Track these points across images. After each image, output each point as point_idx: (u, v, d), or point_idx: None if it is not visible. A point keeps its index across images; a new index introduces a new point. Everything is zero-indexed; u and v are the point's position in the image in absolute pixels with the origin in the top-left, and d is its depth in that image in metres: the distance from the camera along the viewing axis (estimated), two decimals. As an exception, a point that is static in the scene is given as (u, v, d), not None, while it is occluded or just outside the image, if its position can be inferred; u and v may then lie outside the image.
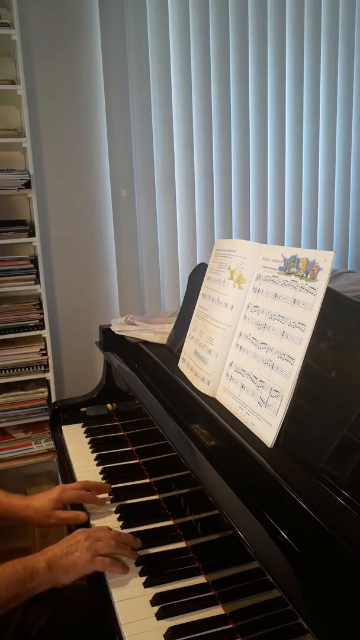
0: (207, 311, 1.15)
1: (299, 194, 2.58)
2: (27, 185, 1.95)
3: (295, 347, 0.86)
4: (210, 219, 2.42)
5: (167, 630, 0.82)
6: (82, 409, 1.63)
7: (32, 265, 2.02)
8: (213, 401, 1.05)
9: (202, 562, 0.95)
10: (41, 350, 2.08)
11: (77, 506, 1.14)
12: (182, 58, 2.25)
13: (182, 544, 1.02)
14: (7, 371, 2.05)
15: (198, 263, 1.53)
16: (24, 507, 1.11)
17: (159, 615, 0.85)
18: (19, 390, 2.11)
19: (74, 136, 2.18)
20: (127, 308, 2.35)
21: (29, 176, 1.95)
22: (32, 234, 2.00)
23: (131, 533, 1.02)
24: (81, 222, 2.26)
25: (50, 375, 2.11)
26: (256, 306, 1.00)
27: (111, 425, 1.56)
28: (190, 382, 1.14)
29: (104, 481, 1.26)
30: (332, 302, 0.85)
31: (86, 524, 1.10)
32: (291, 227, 2.60)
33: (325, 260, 0.85)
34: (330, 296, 0.84)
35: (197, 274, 1.34)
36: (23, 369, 2.07)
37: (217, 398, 1.05)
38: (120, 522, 1.10)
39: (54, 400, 2.10)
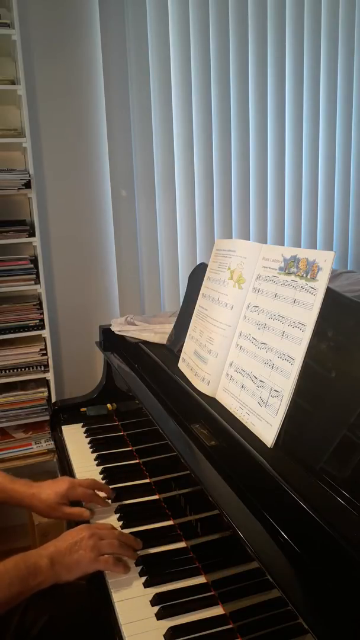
0: (207, 311, 1.15)
1: (299, 194, 2.58)
2: (27, 185, 1.95)
3: (295, 347, 0.86)
4: (210, 219, 2.42)
5: (167, 630, 0.82)
6: (82, 409, 1.63)
7: (32, 265, 2.02)
8: (213, 401, 1.05)
9: (202, 562, 0.95)
10: (41, 350, 2.08)
11: (76, 502, 1.14)
12: (182, 58, 2.25)
13: (182, 544, 1.02)
14: (7, 371, 2.05)
15: (198, 263, 1.53)
16: (29, 496, 1.10)
17: (159, 615, 0.85)
18: (19, 390, 2.11)
19: (74, 136, 2.18)
20: (127, 308, 2.35)
21: (29, 176, 1.95)
22: (32, 234, 2.00)
23: (131, 533, 1.02)
24: (81, 222, 2.26)
25: (50, 375, 2.11)
26: (256, 306, 1.00)
27: (111, 425, 1.56)
28: (190, 382, 1.14)
29: (103, 481, 1.26)
30: (332, 302, 0.85)
31: (86, 522, 1.10)
32: (291, 227, 2.60)
33: (325, 260, 0.85)
34: (330, 296, 0.84)
35: (197, 274, 1.34)
36: (23, 369, 2.07)
37: (217, 398, 1.05)
38: (120, 522, 1.10)
39: (54, 400, 2.10)
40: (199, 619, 0.84)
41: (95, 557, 0.91)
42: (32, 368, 2.08)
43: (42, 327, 2.07)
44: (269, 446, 0.85)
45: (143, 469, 1.30)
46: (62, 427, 1.58)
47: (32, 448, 2.12)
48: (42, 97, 2.11)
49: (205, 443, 0.97)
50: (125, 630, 0.83)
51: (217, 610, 0.86)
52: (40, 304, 2.05)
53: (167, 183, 2.32)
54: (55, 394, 2.14)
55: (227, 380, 1.03)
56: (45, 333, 2.08)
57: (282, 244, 2.59)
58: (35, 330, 2.06)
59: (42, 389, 2.12)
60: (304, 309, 0.86)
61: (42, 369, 2.10)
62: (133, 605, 0.88)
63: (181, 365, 1.23)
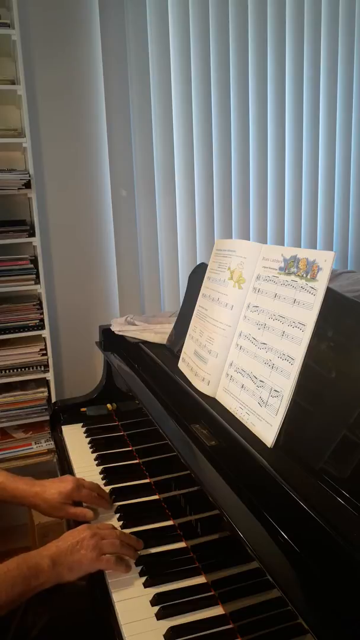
0: (207, 311, 1.15)
1: (299, 194, 2.58)
2: (27, 185, 1.95)
3: (295, 347, 0.86)
4: (210, 219, 2.42)
5: (167, 630, 0.82)
6: (82, 409, 1.63)
7: (32, 265, 2.02)
8: (213, 401, 1.05)
9: (202, 562, 0.95)
10: (41, 350, 2.08)
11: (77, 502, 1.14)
12: (182, 58, 2.25)
13: (182, 544, 1.02)
14: (7, 371, 2.05)
15: (198, 263, 1.53)
16: (33, 495, 1.10)
17: (159, 616, 0.85)
18: (19, 390, 2.11)
19: (74, 136, 2.18)
20: (127, 308, 2.35)
21: (29, 176, 1.95)
22: (32, 234, 2.00)
23: (131, 533, 1.02)
24: (81, 222, 2.26)
25: (50, 375, 2.11)
26: (256, 306, 1.00)
27: (111, 425, 1.56)
28: (190, 382, 1.14)
29: (103, 481, 1.26)
30: (332, 302, 0.85)
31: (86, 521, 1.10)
32: (291, 227, 2.60)
33: (325, 260, 0.85)
34: (330, 296, 0.84)
35: (197, 274, 1.33)
36: (23, 369, 2.07)
37: (217, 398, 1.05)
38: (120, 522, 1.09)
39: (54, 400, 2.10)
40: (199, 619, 0.84)
41: (97, 557, 0.91)
42: (32, 368, 2.08)
43: (42, 327, 2.07)
44: (269, 446, 0.85)
45: (143, 469, 1.30)
46: (62, 427, 1.58)
47: (32, 448, 2.12)
48: (42, 97, 2.11)
49: (205, 443, 0.97)
50: (125, 630, 0.83)
51: (217, 610, 0.86)
52: (40, 304, 2.05)
53: (167, 183, 2.32)
54: (55, 394, 2.14)
55: (227, 380, 1.03)
56: (45, 333, 2.08)
57: (282, 244, 2.59)
58: (35, 330, 2.06)
59: (42, 389, 2.12)
60: (304, 309, 0.86)
61: (42, 369, 2.10)
62: (133, 606, 0.88)
63: (181, 365, 1.23)
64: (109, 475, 1.28)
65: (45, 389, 2.12)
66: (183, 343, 1.25)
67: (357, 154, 2.65)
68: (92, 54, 2.14)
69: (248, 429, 0.92)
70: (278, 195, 2.53)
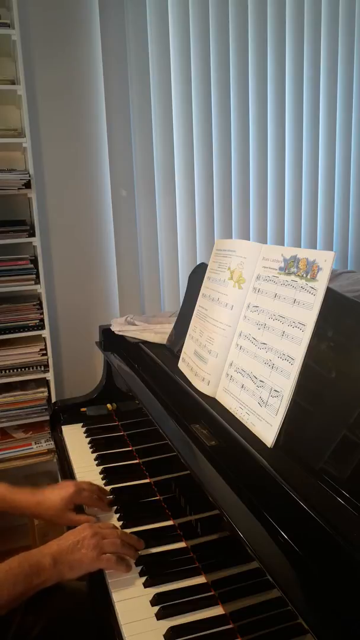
0: (207, 311, 1.15)
1: (299, 194, 2.58)
2: (27, 185, 1.95)
3: (295, 347, 0.86)
4: (210, 219, 2.42)
5: (167, 630, 0.82)
6: (82, 409, 1.63)
7: (32, 265, 2.02)
8: (213, 401, 1.05)
9: (202, 562, 0.95)
10: (41, 350, 2.08)
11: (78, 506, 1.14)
12: (182, 58, 2.25)
13: (182, 544, 1.02)
14: (7, 371, 2.05)
15: (198, 263, 1.53)
16: (34, 505, 1.09)
17: (159, 616, 0.85)
18: (19, 390, 2.11)
19: (74, 136, 2.18)
20: (127, 308, 2.35)
21: (29, 176, 1.95)
22: (32, 234, 2.00)
23: (131, 533, 1.02)
24: (81, 222, 2.26)
25: (50, 375, 2.11)
26: (256, 306, 1.00)
27: (111, 425, 1.56)
28: (190, 382, 1.14)
29: (103, 482, 1.26)
30: (332, 302, 0.85)
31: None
32: (291, 227, 2.60)
33: (325, 260, 0.85)
34: (330, 296, 0.84)
35: (197, 274, 1.33)
36: (23, 369, 2.07)
37: (217, 398, 1.05)
38: (120, 522, 1.09)
39: (54, 400, 2.10)
40: (199, 619, 0.84)
41: (98, 556, 0.92)
42: (32, 368, 2.08)
43: (42, 327, 2.07)
44: (269, 446, 0.85)
45: (143, 469, 1.30)
46: (62, 427, 1.58)
47: (32, 448, 2.12)
48: (42, 97, 2.11)
49: (205, 443, 0.97)
50: (125, 630, 0.83)
51: (217, 610, 0.86)
52: (40, 304, 2.05)
53: (167, 183, 2.32)
54: (55, 394, 2.14)
55: (227, 380, 1.03)
56: (45, 333, 2.08)
57: (282, 244, 2.59)
58: (35, 330, 2.06)
59: (42, 389, 2.12)
60: (304, 309, 0.86)
61: (42, 369, 2.10)
62: (133, 606, 0.88)
63: (181, 365, 1.23)
64: (109, 475, 1.28)
65: (45, 389, 2.12)
66: (183, 343, 1.25)
67: (357, 154, 2.65)
68: (92, 54, 2.14)
69: (248, 429, 0.92)
70: (278, 195, 2.53)
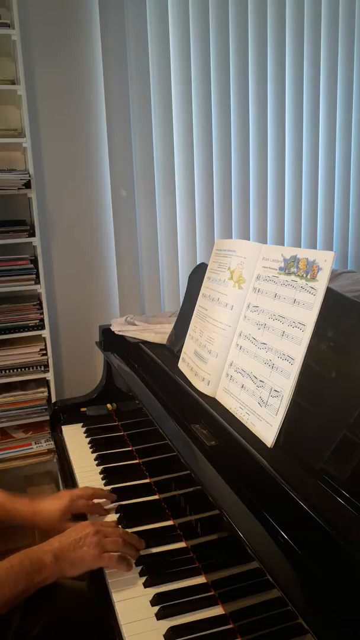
0: (207, 311, 1.15)
1: (299, 194, 2.58)
2: (27, 185, 1.95)
3: (295, 347, 0.86)
4: (210, 219, 2.42)
5: (167, 630, 0.82)
6: (82, 409, 1.63)
7: (32, 265, 2.02)
8: (213, 401, 1.05)
9: (202, 562, 0.95)
10: (41, 350, 2.08)
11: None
12: (182, 58, 2.25)
13: (182, 544, 1.02)
14: (7, 371, 2.05)
15: (198, 263, 1.53)
16: (31, 516, 1.09)
17: (159, 616, 0.85)
18: (19, 390, 2.11)
19: (74, 136, 2.18)
20: (127, 308, 2.35)
21: (29, 176, 1.95)
22: (32, 234, 2.00)
23: (131, 533, 1.02)
24: (81, 222, 2.26)
25: (50, 375, 2.11)
26: (256, 306, 1.00)
27: (111, 425, 1.56)
28: (190, 382, 1.14)
29: (103, 482, 1.26)
30: (332, 302, 0.85)
31: (86, 518, 1.10)
32: (291, 227, 2.60)
33: (325, 260, 0.85)
34: (330, 296, 0.84)
35: (197, 274, 1.33)
36: (23, 369, 2.07)
37: (217, 398, 1.05)
38: (121, 523, 1.09)
39: (54, 400, 2.10)
40: (199, 619, 0.84)
41: (99, 554, 0.92)
42: (32, 368, 2.08)
43: (42, 327, 2.07)
44: (269, 446, 0.85)
45: (143, 469, 1.30)
46: (62, 427, 1.58)
47: (32, 448, 2.11)
48: (42, 97, 2.11)
49: (205, 443, 0.97)
50: (125, 630, 0.83)
51: (217, 610, 0.86)
52: (40, 304, 2.05)
53: (167, 183, 2.32)
54: (55, 394, 2.14)
55: (227, 380, 1.03)
56: (45, 333, 2.08)
57: (282, 244, 2.59)
58: (35, 330, 2.06)
59: (42, 389, 2.12)
60: (304, 309, 0.86)
61: (42, 369, 2.09)
62: (133, 606, 0.88)
63: (181, 365, 1.23)
64: (109, 475, 1.28)
65: (45, 389, 2.12)
66: (183, 343, 1.25)
67: (357, 154, 2.65)
68: (92, 54, 2.14)
69: (248, 429, 0.92)
70: (278, 195, 2.53)
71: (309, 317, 0.85)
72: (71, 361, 2.34)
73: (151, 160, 2.28)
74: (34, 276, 2.03)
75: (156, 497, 1.18)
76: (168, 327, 1.45)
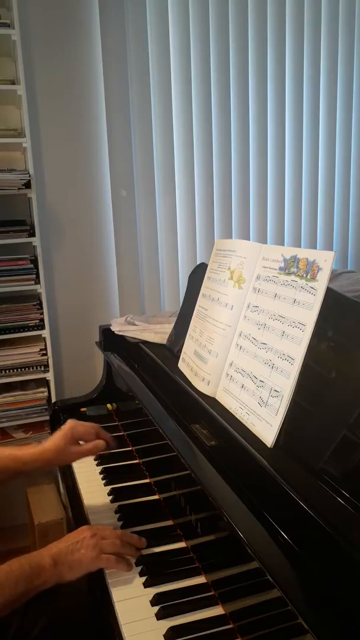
0: (207, 311, 1.15)
1: (299, 194, 2.58)
2: (27, 185, 1.95)
3: (295, 347, 0.86)
4: (210, 219, 2.42)
5: (167, 630, 0.82)
6: (82, 409, 1.63)
7: (32, 265, 2.02)
8: (213, 401, 1.05)
9: (202, 562, 0.95)
10: (41, 350, 2.08)
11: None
12: (182, 58, 2.25)
13: (182, 544, 1.02)
14: (7, 371, 2.05)
15: (198, 263, 1.53)
16: (40, 453, 1.11)
17: (159, 616, 0.85)
18: (19, 390, 2.11)
19: (74, 136, 2.18)
20: (127, 308, 2.35)
21: (29, 176, 1.95)
22: (32, 234, 2.00)
23: (131, 533, 1.02)
24: (81, 222, 2.26)
25: (50, 375, 2.11)
26: (256, 306, 1.00)
27: (111, 425, 1.55)
28: (190, 382, 1.14)
29: (103, 482, 1.26)
30: (332, 302, 0.85)
31: (87, 523, 1.10)
32: (291, 227, 2.60)
33: (325, 260, 0.85)
34: (330, 296, 0.84)
35: (197, 274, 1.33)
36: (23, 369, 2.07)
37: (217, 398, 1.05)
38: (120, 522, 1.10)
39: (54, 400, 2.10)
40: (199, 619, 0.84)
41: (97, 556, 0.92)
42: (32, 368, 2.08)
43: (42, 327, 2.07)
44: (269, 446, 0.85)
45: (143, 469, 1.30)
46: (62, 427, 1.57)
47: (32, 448, 2.11)
48: (42, 97, 2.11)
49: (205, 443, 0.97)
50: (125, 630, 0.83)
51: (217, 610, 0.86)
52: (40, 304, 2.05)
53: (167, 183, 2.32)
54: (55, 394, 2.14)
55: (227, 380, 1.03)
56: (45, 333, 2.08)
57: (282, 244, 2.59)
58: (35, 330, 2.06)
59: (42, 389, 2.12)
60: (304, 309, 0.86)
61: (42, 369, 2.09)
62: (133, 606, 0.88)
63: (181, 365, 1.23)
64: (109, 475, 1.28)
65: (45, 389, 2.12)
66: (183, 343, 1.25)
67: (357, 154, 2.65)
68: (92, 54, 2.14)
69: (248, 429, 0.92)
70: (278, 195, 2.53)
71: (309, 317, 0.85)
72: (71, 361, 2.34)
73: (151, 160, 2.28)
74: (34, 276, 2.03)
75: (156, 497, 1.18)
76: (168, 327, 1.45)
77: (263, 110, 2.42)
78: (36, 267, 2.04)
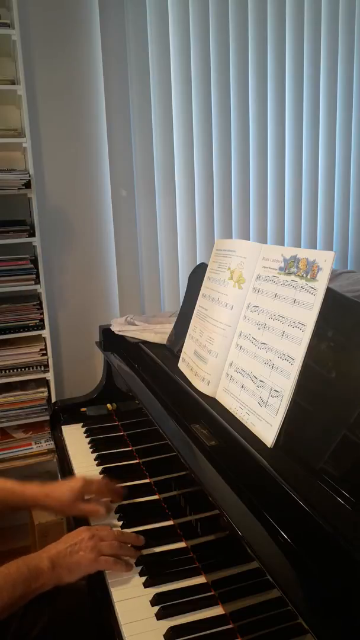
0: (207, 311, 1.15)
1: (299, 194, 2.58)
2: (27, 185, 1.95)
3: (295, 347, 0.86)
4: (210, 219, 2.42)
5: (167, 630, 0.82)
6: (82, 409, 1.63)
7: (32, 265, 2.02)
8: (213, 401, 1.05)
9: (202, 562, 0.95)
10: (41, 350, 2.08)
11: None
12: (182, 58, 2.25)
13: (182, 544, 1.02)
14: (7, 371, 2.05)
15: (198, 263, 1.53)
16: (43, 496, 1.09)
17: (159, 616, 0.85)
18: (19, 390, 2.11)
19: (74, 136, 2.18)
20: (127, 308, 2.35)
21: (29, 176, 1.95)
22: (32, 234, 2.00)
23: (128, 532, 1.02)
24: (81, 222, 2.26)
25: (50, 375, 2.11)
26: (256, 306, 1.00)
27: (111, 425, 1.56)
28: (190, 382, 1.14)
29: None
30: (332, 302, 0.85)
31: (87, 524, 1.10)
32: (291, 227, 2.60)
33: (325, 260, 0.85)
34: (330, 296, 0.84)
35: (197, 274, 1.33)
36: (23, 369, 2.07)
37: (217, 398, 1.05)
38: (121, 522, 1.09)
39: (54, 400, 2.10)
40: (199, 619, 0.84)
41: (96, 558, 0.92)
42: (32, 368, 2.08)
43: (42, 327, 2.07)
44: (269, 446, 0.85)
45: (143, 469, 1.30)
46: (62, 427, 1.58)
47: (32, 448, 2.12)
48: (42, 97, 2.11)
49: (205, 443, 0.97)
50: (125, 630, 0.83)
51: (217, 610, 0.86)
52: (40, 304, 2.05)
53: (167, 183, 2.32)
54: (55, 394, 2.14)
55: (227, 380, 1.03)
56: (45, 333, 2.08)
57: (282, 244, 2.59)
58: (35, 330, 2.06)
59: (42, 389, 2.12)
60: (304, 309, 0.86)
61: (42, 369, 2.09)
62: (133, 606, 0.88)
63: (181, 365, 1.23)
64: (109, 475, 1.28)
65: (45, 389, 2.12)
66: (183, 343, 1.25)
67: (357, 154, 2.65)
68: (92, 54, 2.14)
69: (248, 429, 0.92)
70: (278, 195, 2.53)
71: (309, 317, 0.85)
72: (71, 361, 2.34)
73: (151, 160, 2.28)
74: (34, 276, 2.03)
75: (156, 497, 1.18)
76: (168, 327, 1.45)
77: (263, 110, 2.42)
78: (36, 267, 2.03)
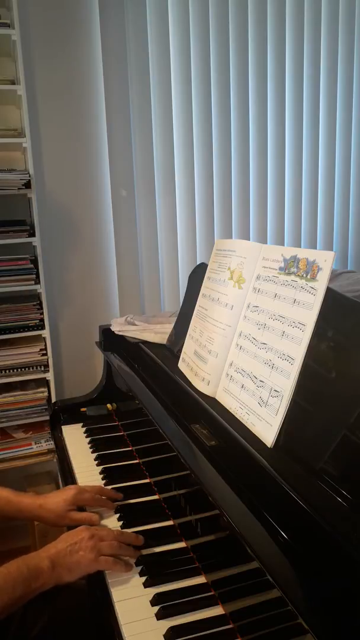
0: (207, 311, 1.15)
1: (299, 194, 2.58)
2: (27, 185, 1.95)
3: (295, 347, 0.86)
4: (210, 219, 2.42)
5: (167, 630, 0.82)
6: (82, 409, 1.63)
7: (32, 265, 2.02)
8: (213, 401, 1.05)
9: (202, 562, 0.95)
10: (41, 350, 2.08)
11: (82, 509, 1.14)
12: (182, 58, 2.25)
13: (182, 544, 1.02)
14: (7, 371, 2.05)
15: (198, 263, 1.53)
16: (37, 507, 1.09)
17: (159, 615, 0.85)
18: (19, 390, 2.11)
19: (74, 136, 2.18)
20: (127, 308, 2.35)
21: (29, 176, 1.95)
22: (32, 234, 2.00)
23: (128, 532, 1.02)
24: (81, 221, 2.26)
25: (50, 375, 2.11)
26: (256, 306, 1.00)
27: (111, 425, 1.56)
28: (190, 382, 1.14)
29: (103, 481, 1.26)
30: (332, 302, 0.85)
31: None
32: (291, 227, 2.60)
33: (325, 260, 0.85)
34: (330, 296, 0.84)
35: (197, 274, 1.33)
36: (23, 369, 2.07)
37: (217, 398, 1.05)
38: (120, 522, 1.09)
39: (54, 400, 2.10)
40: (199, 619, 0.84)
41: (95, 558, 0.92)
42: (32, 368, 2.08)
43: (42, 327, 2.07)
44: (269, 446, 0.85)
45: (143, 469, 1.30)
46: (62, 427, 1.58)
47: (32, 448, 2.12)
48: (42, 97, 2.11)
49: (205, 443, 0.97)
50: (125, 630, 0.83)
51: (217, 610, 0.86)
52: (40, 304, 2.05)
53: (167, 183, 2.32)
54: (55, 394, 2.14)
55: (227, 380, 1.03)
56: (45, 333, 2.08)
57: (282, 244, 2.59)
58: (35, 330, 2.06)
59: (42, 389, 2.12)
60: (304, 309, 0.86)
61: (42, 369, 2.09)
62: (133, 605, 0.88)
63: (181, 365, 1.23)
64: (109, 475, 1.28)
65: (45, 389, 2.12)
66: (183, 343, 1.25)
67: (357, 154, 2.65)
68: (92, 54, 2.14)
69: (248, 429, 0.92)
70: (278, 195, 2.53)
71: (309, 317, 0.85)
72: (71, 361, 2.34)
73: (151, 160, 2.28)
74: (34, 276, 2.03)
75: (156, 497, 1.18)
76: (168, 327, 1.45)
77: (263, 110, 2.42)
78: (36, 267, 2.03)
